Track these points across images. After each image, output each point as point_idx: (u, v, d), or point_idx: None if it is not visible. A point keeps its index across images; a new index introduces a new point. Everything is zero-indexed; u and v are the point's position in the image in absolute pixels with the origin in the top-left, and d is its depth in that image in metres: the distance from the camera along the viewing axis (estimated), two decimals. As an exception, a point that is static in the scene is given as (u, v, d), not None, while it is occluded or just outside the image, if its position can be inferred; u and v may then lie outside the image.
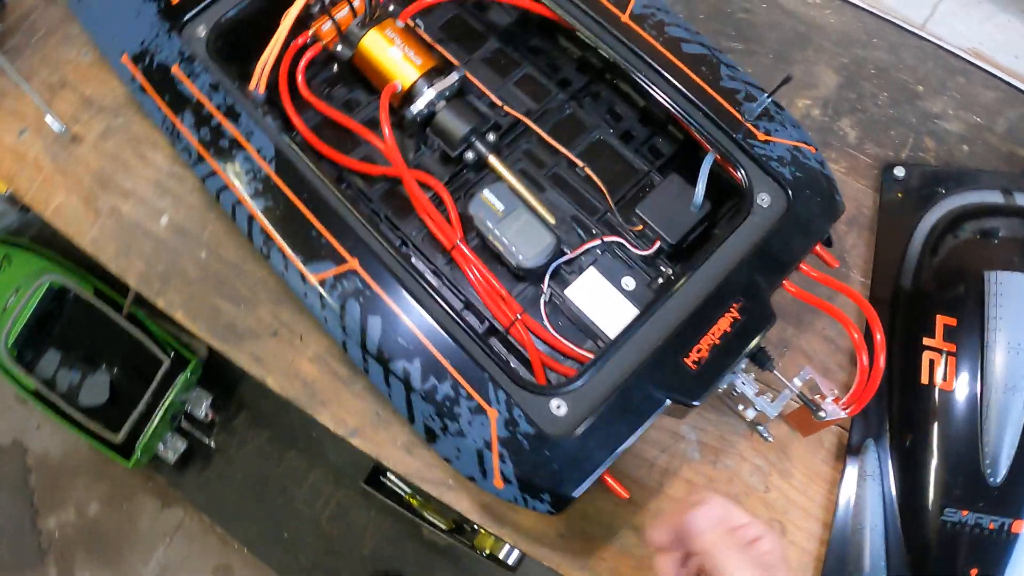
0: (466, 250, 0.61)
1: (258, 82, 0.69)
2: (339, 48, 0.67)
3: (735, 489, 0.67)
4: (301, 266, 0.57)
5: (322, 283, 0.56)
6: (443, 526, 1.20)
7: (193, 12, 0.69)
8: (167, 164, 0.82)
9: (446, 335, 0.54)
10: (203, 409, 1.33)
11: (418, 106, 0.63)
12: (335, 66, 0.72)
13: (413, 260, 0.58)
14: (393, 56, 0.64)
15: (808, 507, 0.67)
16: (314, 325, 0.72)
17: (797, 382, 0.60)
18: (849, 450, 0.68)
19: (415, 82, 0.64)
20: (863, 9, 0.83)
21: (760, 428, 0.65)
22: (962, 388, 0.64)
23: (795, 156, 0.61)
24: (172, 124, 0.64)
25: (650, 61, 0.61)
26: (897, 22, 0.82)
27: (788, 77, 0.58)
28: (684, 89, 0.61)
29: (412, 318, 0.55)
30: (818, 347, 0.69)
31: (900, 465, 0.66)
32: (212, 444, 1.37)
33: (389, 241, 0.56)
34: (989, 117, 0.79)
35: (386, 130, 0.62)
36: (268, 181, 0.59)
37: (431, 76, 0.64)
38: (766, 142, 0.61)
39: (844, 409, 0.58)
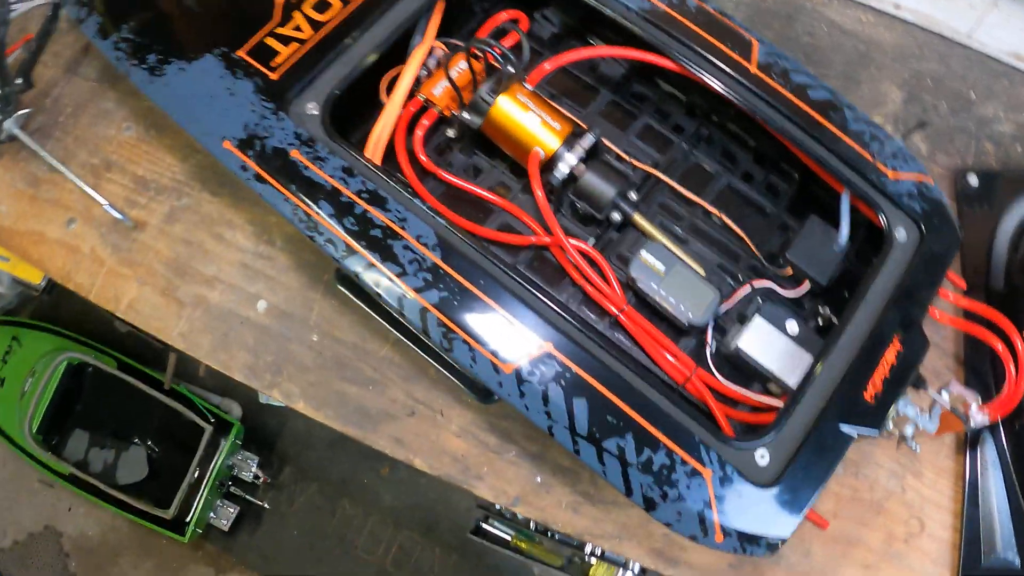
0: (635, 313, 0.61)
1: (373, 154, 0.66)
2: (466, 116, 0.65)
3: (877, 495, 0.72)
4: (492, 356, 0.55)
5: (517, 372, 0.55)
6: (556, 563, 1.20)
7: (299, 88, 0.64)
8: (251, 243, 0.78)
9: (653, 404, 0.55)
10: (251, 471, 1.27)
11: (561, 171, 0.63)
12: (449, 131, 0.70)
13: (604, 332, 0.58)
14: (531, 123, 0.63)
15: (940, 501, 0.72)
16: (454, 399, 0.71)
17: (945, 395, 0.64)
18: (968, 443, 0.73)
19: (557, 149, 0.63)
20: (913, 24, 0.88)
21: (908, 440, 0.69)
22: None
23: (920, 190, 0.65)
24: (307, 215, 0.60)
25: (788, 113, 0.63)
26: (944, 34, 0.87)
27: (922, 123, 0.61)
28: (819, 136, 0.63)
29: (618, 393, 0.55)
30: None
31: (1016, 452, 0.72)
32: (265, 504, 1.31)
33: (581, 320, 0.56)
34: (1032, 116, 0.86)
35: (540, 197, 0.61)
36: (437, 271, 0.57)
37: (569, 140, 0.63)
38: (896, 180, 0.64)
39: (988, 413, 0.63)
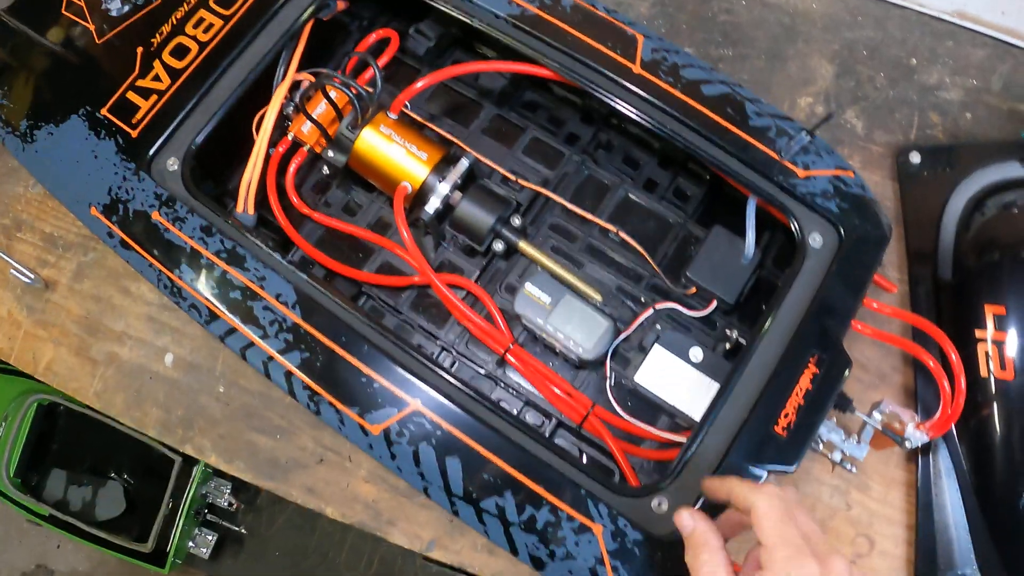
0: (522, 352, 0.58)
1: (245, 203, 0.63)
2: (330, 154, 0.61)
3: (820, 514, 0.67)
4: (359, 418, 0.53)
5: (386, 432, 0.52)
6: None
7: (158, 144, 0.62)
8: (155, 296, 0.76)
9: (533, 458, 0.51)
10: (225, 498, 1.28)
11: (433, 204, 0.59)
12: (324, 168, 0.66)
13: (472, 383, 0.55)
14: (395, 155, 0.59)
15: (890, 514, 0.67)
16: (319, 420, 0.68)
17: (877, 416, 0.59)
18: (920, 451, 0.68)
19: (425, 180, 0.59)
20: (843, -12, 0.80)
21: (843, 463, 0.64)
22: (1022, 375, 0.64)
23: (837, 187, 0.58)
24: (170, 280, 0.58)
25: (675, 114, 0.57)
26: (879, -5, 0.79)
27: (829, 115, 0.55)
28: (715, 138, 0.57)
29: (492, 448, 0.51)
30: (860, 371, 0.68)
31: (971, 459, 0.67)
32: (242, 529, 1.32)
33: (449, 372, 0.52)
34: (983, 77, 0.78)
35: (407, 238, 0.58)
36: (299, 331, 0.54)
37: (440, 168, 0.59)
38: (807, 178, 0.58)
39: (927, 433, 0.58)
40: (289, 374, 0.54)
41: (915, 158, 0.73)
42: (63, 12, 0.73)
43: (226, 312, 0.56)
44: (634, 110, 0.57)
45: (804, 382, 0.55)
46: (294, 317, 0.55)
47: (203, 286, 0.57)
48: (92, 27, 0.70)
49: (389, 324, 0.55)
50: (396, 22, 0.74)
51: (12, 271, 0.76)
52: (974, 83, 0.77)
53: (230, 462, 0.70)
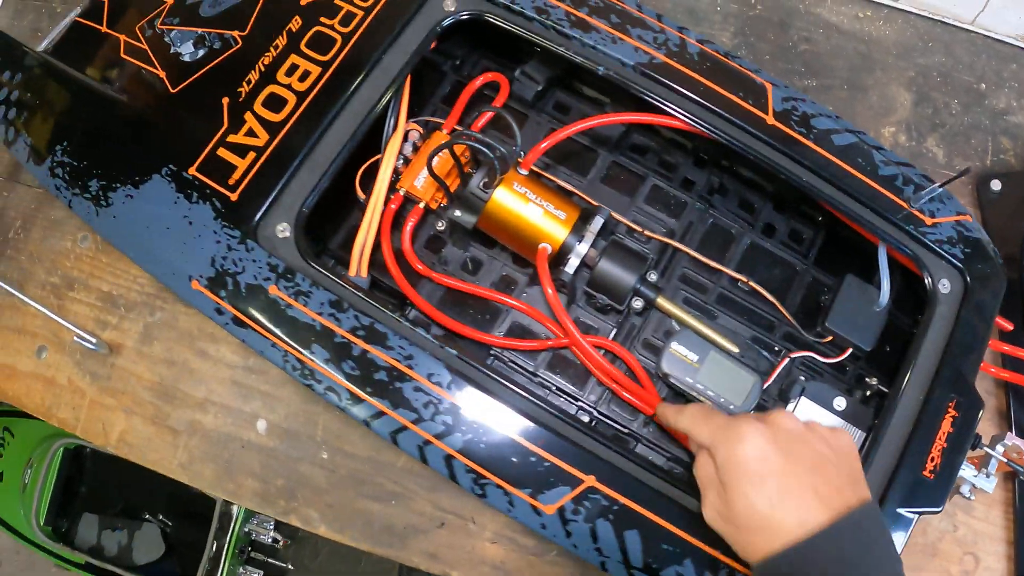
0: (670, 411, 0.57)
1: (358, 267, 0.59)
2: (457, 214, 0.58)
3: (930, 538, 0.69)
4: (531, 499, 0.51)
5: (560, 511, 0.51)
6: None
7: (264, 208, 0.57)
8: (239, 358, 0.72)
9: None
10: (269, 535, 1.24)
11: (572, 265, 0.57)
12: (438, 224, 0.63)
13: (638, 450, 0.54)
14: (532, 215, 0.56)
15: (993, 532, 0.70)
16: (484, 503, 0.67)
17: (1000, 448, 0.61)
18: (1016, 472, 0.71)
19: (565, 240, 0.57)
20: (913, 14, 0.81)
21: (964, 493, 0.66)
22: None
23: (960, 232, 0.60)
24: (300, 362, 0.54)
25: (813, 167, 0.57)
26: (947, 21, 0.81)
27: (965, 170, 0.56)
28: (851, 189, 0.57)
29: (670, 518, 0.51)
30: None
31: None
32: (288, 565, 1.28)
33: (622, 445, 0.51)
34: (1047, 100, 0.80)
35: (554, 300, 0.56)
36: (457, 412, 0.52)
37: (577, 226, 0.57)
38: (934, 225, 0.59)
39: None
40: (450, 458, 0.52)
41: (996, 185, 0.75)
42: (122, 56, 0.66)
43: (371, 396, 0.52)
44: (778, 166, 0.56)
45: (946, 426, 0.56)
46: (451, 398, 0.52)
47: (340, 367, 0.53)
48: (162, 74, 0.64)
49: (522, 385, 0.53)
50: (486, 60, 0.70)
51: (75, 338, 0.70)
52: (1039, 106, 0.80)
53: (341, 532, 0.67)
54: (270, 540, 1.24)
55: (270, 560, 1.27)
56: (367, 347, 0.53)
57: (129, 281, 0.74)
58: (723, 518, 0.43)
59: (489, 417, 0.51)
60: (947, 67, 0.80)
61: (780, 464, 0.41)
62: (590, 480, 0.51)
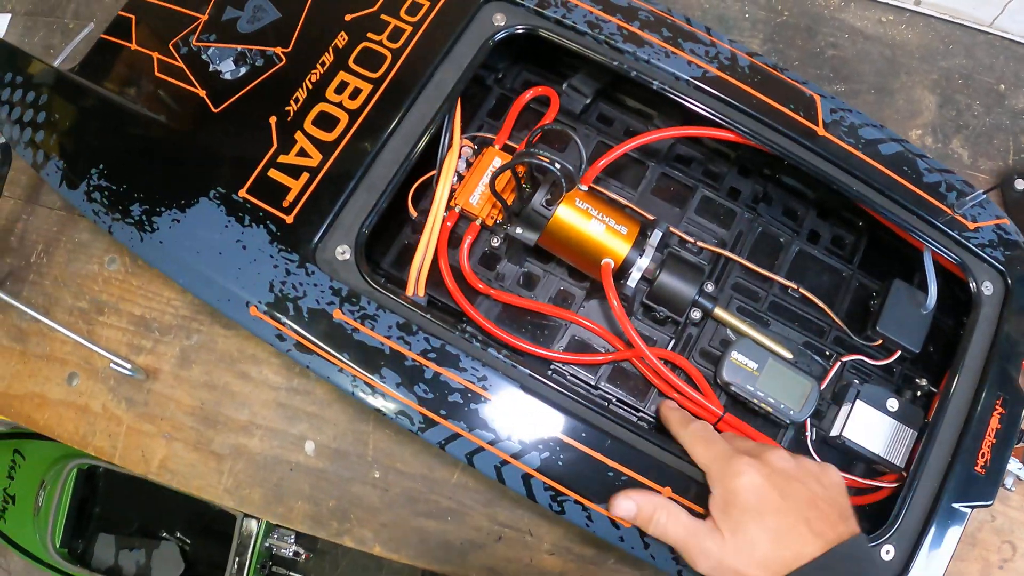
0: (734, 419, 0.57)
1: (415, 287, 0.59)
2: (518, 231, 0.58)
3: (969, 528, 0.72)
4: (609, 513, 0.51)
5: (640, 524, 0.51)
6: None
7: (322, 229, 0.56)
8: (282, 379, 0.71)
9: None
10: (290, 548, 1.23)
11: (634, 279, 0.57)
12: (493, 240, 0.63)
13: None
14: (595, 231, 0.56)
15: (1029, 520, 0.73)
16: (541, 516, 0.67)
17: (1040, 441, 0.63)
18: (1048, 458, 0.73)
19: (627, 255, 0.57)
20: (934, 18, 0.83)
21: (1006, 484, 0.68)
22: None
23: (1000, 235, 0.61)
24: (370, 387, 0.53)
25: (865, 178, 0.58)
26: (967, 24, 0.83)
27: (1005, 180, 0.57)
28: (899, 197, 0.59)
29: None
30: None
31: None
32: (311, 577, 1.28)
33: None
34: (1063, 100, 0.83)
35: (620, 313, 0.56)
36: (533, 431, 0.52)
37: (638, 241, 0.57)
38: (976, 230, 0.61)
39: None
40: (528, 476, 0.52)
41: (1020, 185, 0.77)
42: (157, 74, 0.65)
43: (446, 419, 0.52)
44: (831, 176, 0.57)
45: (994, 423, 0.58)
46: (526, 417, 0.52)
47: (413, 391, 0.53)
48: (202, 92, 0.63)
49: (585, 398, 0.53)
50: (528, 73, 0.70)
51: (112, 364, 0.68)
52: (1056, 106, 0.82)
53: (397, 551, 0.67)
54: (291, 554, 1.24)
55: (292, 574, 1.26)
56: (440, 369, 0.53)
57: (163, 304, 0.73)
58: (720, 559, 0.44)
59: (564, 433, 0.52)
60: (968, 69, 0.82)
61: (777, 501, 0.44)
62: (666, 492, 0.51)
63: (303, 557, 1.22)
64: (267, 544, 1.22)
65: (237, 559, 1.15)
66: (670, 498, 0.49)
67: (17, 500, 1.09)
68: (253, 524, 1.17)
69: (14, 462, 1.07)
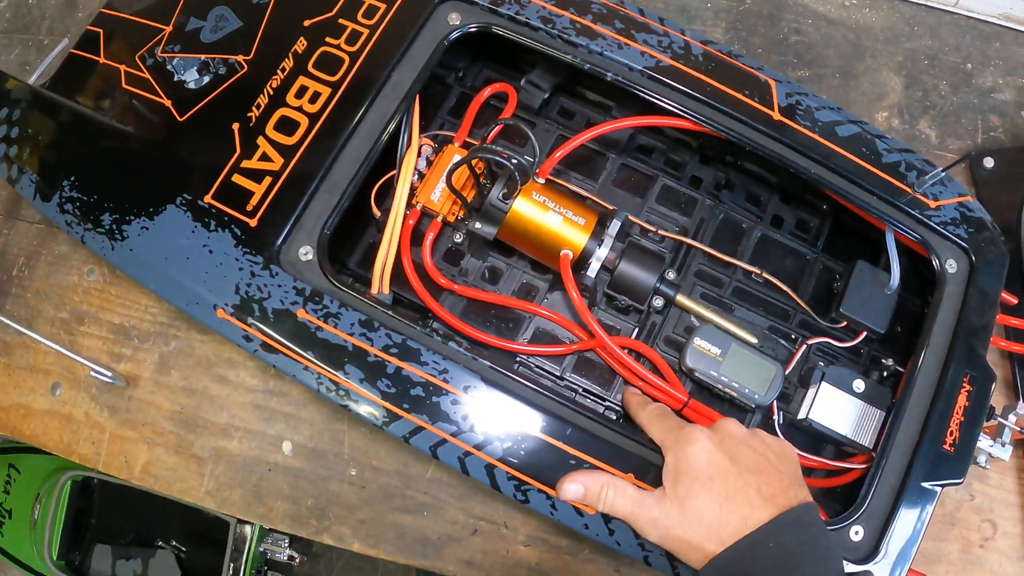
0: (698, 404, 0.58)
1: (380, 285, 0.60)
2: (478, 226, 0.59)
3: (948, 508, 0.72)
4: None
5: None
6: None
7: (285, 232, 0.57)
8: (258, 381, 0.72)
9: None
10: (284, 552, 1.24)
11: (594, 269, 0.58)
12: (456, 236, 0.64)
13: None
14: (553, 223, 0.57)
15: (1007, 498, 0.73)
16: (515, 509, 0.68)
17: (1013, 417, 0.63)
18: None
19: (586, 245, 0.57)
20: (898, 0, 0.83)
21: (979, 462, 0.68)
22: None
23: (963, 213, 0.61)
24: (334, 383, 0.54)
25: (823, 160, 0.59)
26: (931, 4, 0.83)
27: (965, 156, 0.58)
28: (859, 179, 0.59)
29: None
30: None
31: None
32: (306, 582, 1.29)
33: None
34: (1031, 74, 0.83)
35: (579, 304, 0.56)
36: (495, 422, 0.52)
37: (596, 231, 0.58)
38: (937, 208, 0.61)
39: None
40: (491, 467, 0.52)
41: (988, 163, 0.77)
42: (124, 86, 0.66)
43: (410, 413, 0.53)
44: (789, 161, 0.58)
45: (962, 400, 0.58)
46: (488, 408, 0.53)
47: (376, 386, 0.53)
48: (168, 102, 0.64)
49: (552, 389, 0.54)
50: (488, 71, 0.71)
51: (92, 373, 0.69)
52: (1023, 81, 0.82)
53: (375, 547, 0.68)
54: (286, 558, 1.24)
55: (287, 579, 1.27)
56: (402, 364, 0.54)
57: (140, 312, 0.74)
58: (668, 527, 0.45)
59: (526, 424, 0.52)
60: (934, 50, 0.82)
61: (727, 466, 0.44)
62: (629, 478, 0.52)
63: (297, 561, 1.23)
64: (261, 549, 1.22)
65: (232, 565, 1.16)
66: (616, 476, 0.49)
67: (13, 514, 1.11)
68: (247, 529, 1.18)
69: (9, 476, 1.09)
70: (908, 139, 0.78)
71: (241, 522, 1.18)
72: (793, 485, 0.45)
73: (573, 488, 0.47)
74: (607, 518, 0.52)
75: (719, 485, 0.44)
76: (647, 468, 0.52)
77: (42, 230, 0.77)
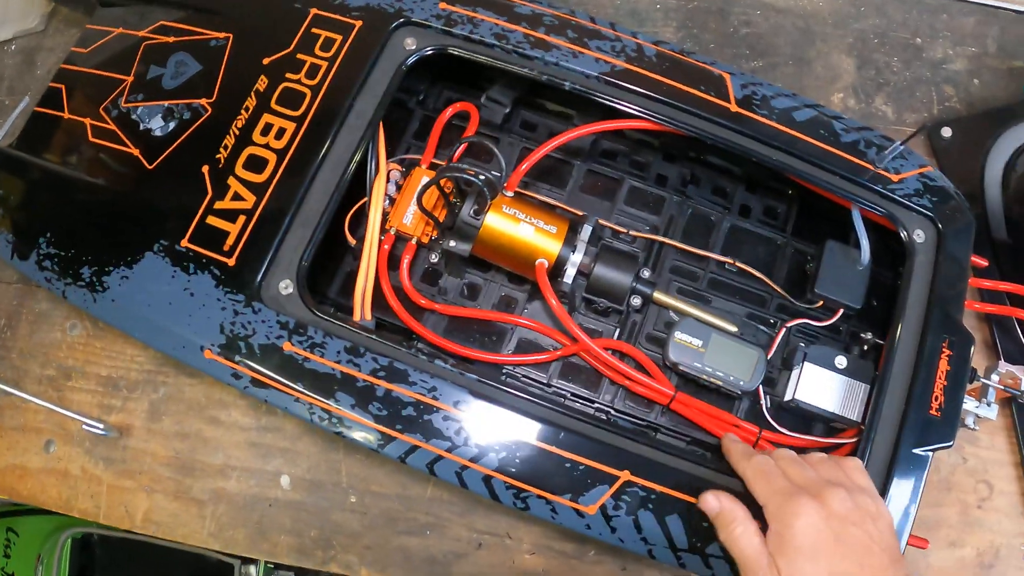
0: (686, 397, 0.59)
1: (362, 311, 0.60)
2: (452, 244, 0.59)
3: (943, 473, 0.73)
4: (572, 503, 0.52)
5: (603, 509, 0.52)
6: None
7: (264, 268, 0.58)
8: (251, 419, 0.72)
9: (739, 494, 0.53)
10: (294, 589, 1.22)
11: (570, 275, 0.59)
12: (432, 256, 0.65)
13: (659, 438, 0.56)
14: (525, 234, 0.58)
15: (1000, 458, 0.74)
16: (517, 518, 0.68)
17: (995, 377, 0.64)
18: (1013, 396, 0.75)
19: (559, 253, 0.58)
20: (842, -18, 0.85)
21: (968, 425, 0.69)
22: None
23: (925, 183, 0.63)
24: (326, 412, 0.55)
25: (781, 146, 0.60)
26: (875, -16, 0.85)
27: (920, 129, 0.60)
28: (820, 161, 0.60)
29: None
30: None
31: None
32: (314, 620, 1.27)
33: (645, 436, 0.53)
34: (979, 43, 0.85)
35: (559, 310, 0.57)
36: (487, 434, 0.53)
37: (568, 238, 0.59)
38: (900, 181, 0.62)
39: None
40: (488, 478, 0.53)
41: (946, 132, 0.79)
42: (91, 139, 0.66)
43: (403, 433, 0.53)
44: (750, 150, 0.59)
45: (943, 365, 0.59)
46: (479, 421, 0.53)
47: (368, 410, 0.54)
48: (136, 151, 0.64)
49: (541, 396, 0.55)
50: (449, 91, 0.72)
51: (83, 426, 0.69)
52: (973, 50, 0.84)
53: (383, 571, 0.68)
54: (292, 596, 1.23)
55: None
56: (391, 386, 0.54)
57: (127, 361, 0.74)
58: None
59: (519, 432, 0.53)
60: (882, 28, 0.84)
61: (832, 546, 0.44)
62: (625, 475, 0.53)
63: (306, 597, 1.22)
64: (269, 591, 1.21)
65: (241, 606, 1.15)
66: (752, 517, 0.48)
67: (15, 579, 1.09)
68: (252, 569, 1.17)
69: (8, 540, 1.08)
70: (865, 117, 0.80)
71: (245, 563, 1.17)
72: (893, 563, 0.45)
73: (714, 503, 0.48)
74: (607, 515, 0.53)
75: (824, 564, 0.44)
76: (645, 464, 0.52)
77: (20, 289, 0.77)
